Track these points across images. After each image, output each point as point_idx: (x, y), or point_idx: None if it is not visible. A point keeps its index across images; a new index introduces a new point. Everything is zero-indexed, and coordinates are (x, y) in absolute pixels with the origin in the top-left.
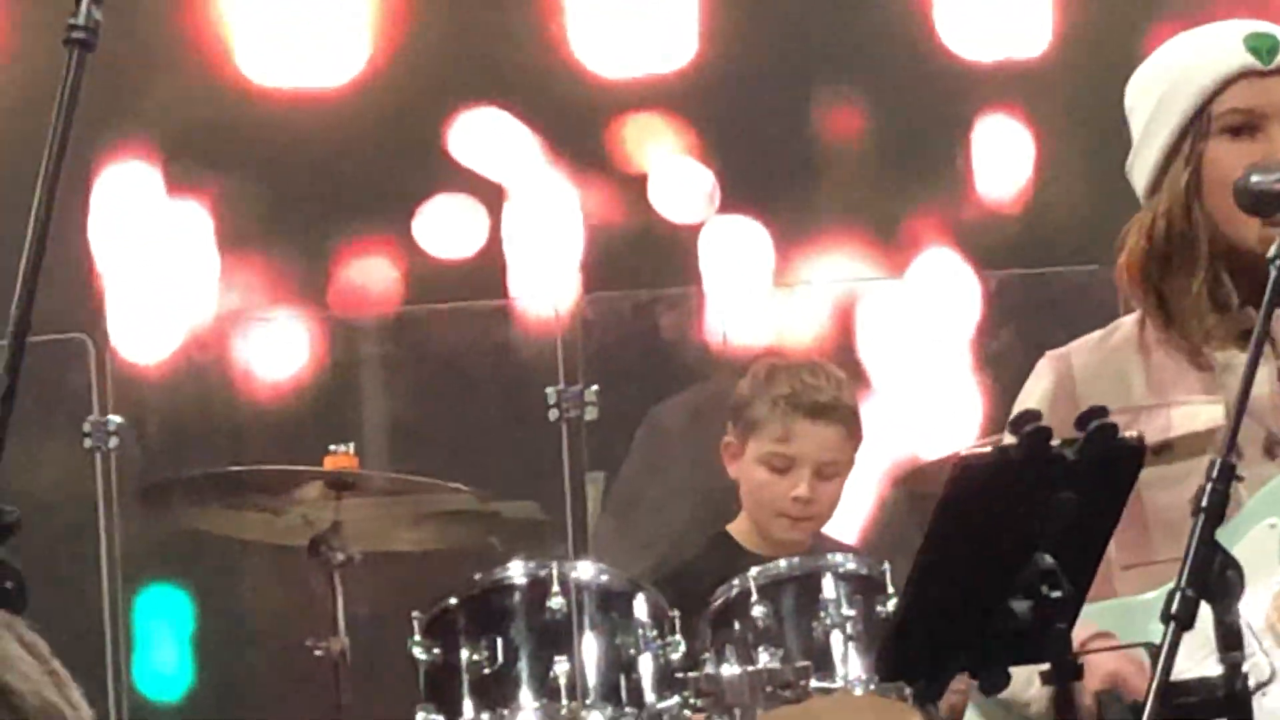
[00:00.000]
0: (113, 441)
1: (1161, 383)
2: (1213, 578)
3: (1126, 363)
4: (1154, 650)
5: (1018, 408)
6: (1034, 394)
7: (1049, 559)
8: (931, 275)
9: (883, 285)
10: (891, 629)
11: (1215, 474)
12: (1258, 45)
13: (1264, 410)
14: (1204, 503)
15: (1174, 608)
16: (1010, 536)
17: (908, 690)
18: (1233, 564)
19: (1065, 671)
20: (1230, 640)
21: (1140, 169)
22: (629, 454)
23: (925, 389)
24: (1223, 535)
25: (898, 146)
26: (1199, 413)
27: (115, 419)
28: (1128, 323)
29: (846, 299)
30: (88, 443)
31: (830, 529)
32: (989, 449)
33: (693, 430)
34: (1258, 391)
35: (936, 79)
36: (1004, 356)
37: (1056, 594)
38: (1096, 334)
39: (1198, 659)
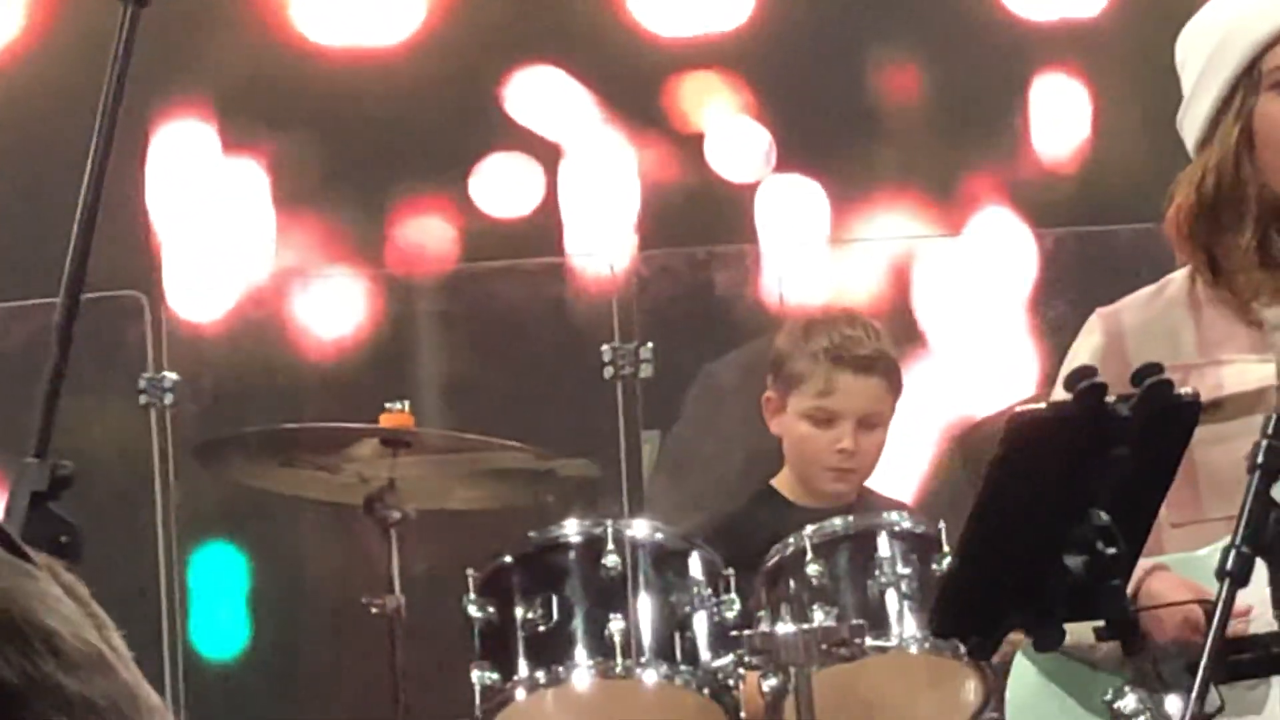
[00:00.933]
0: (168, 398)
1: (1212, 340)
2: (1268, 534)
3: (1177, 319)
4: (1209, 606)
5: (1068, 364)
6: (1084, 350)
7: (1104, 515)
8: (988, 234)
9: (939, 244)
10: (945, 586)
11: (1271, 430)
12: None
13: None
14: (1260, 459)
15: (1229, 564)
16: (1065, 493)
17: (963, 649)
18: None
19: (1120, 628)
20: None
21: (1191, 123)
22: (682, 412)
23: (981, 348)
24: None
25: (954, 105)
26: (1250, 371)
27: (170, 376)
28: (1178, 279)
29: (902, 257)
30: (143, 399)
31: (881, 486)
32: (1044, 405)
33: (746, 388)
34: None
35: (993, 37)
36: (1060, 315)
37: (1111, 550)
38: (1147, 290)
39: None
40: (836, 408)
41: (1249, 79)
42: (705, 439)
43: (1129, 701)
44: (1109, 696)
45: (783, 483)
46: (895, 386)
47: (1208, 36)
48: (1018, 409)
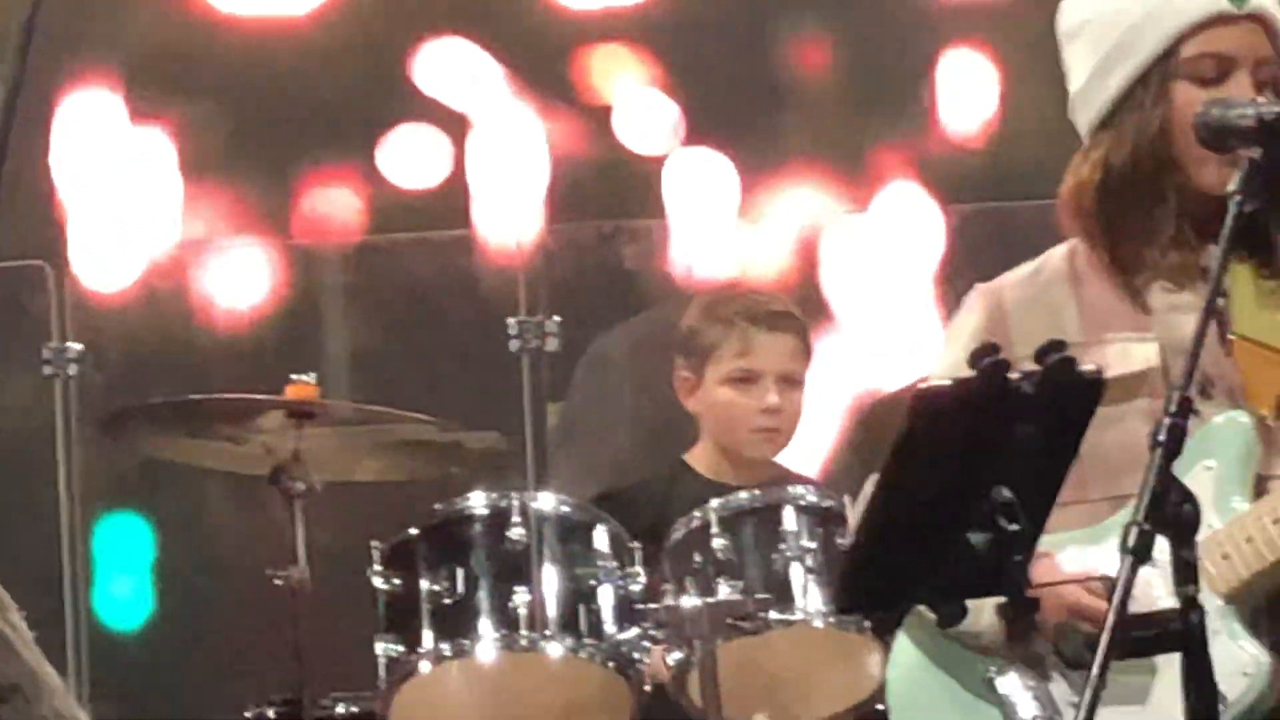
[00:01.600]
0: (72, 369)
1: (1095, 318)
2: (1169, 512)
3: (1059, 297)
4: (1110, 583)
5: (948, 341)
6: (965, 327)
7: (1007, 492)
8: (895, 209)
9: (847, 219)
10: (849, 562)
11: (1174, 408)
12: None
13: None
14: (1161, 436)
15: (1130, 541)
16: (968, 469)
17: (866, 624)
18: (1190, 498)
19: (1022, 605)
20: (1186, 574)
21: (1091, 102)
22: (571, 385)
23: (888, 323)
24: None
25: (863, 80)
26: (1133, 352)
27: (75, 346)
28: (1057, 255)
29: (810, 232)
30: (47, 370)
31: (790, 461)
32: (949, 381)
33: (636, 360)
34: (1191, 332)
35: (902, 13)
36: (967, 290)
37: (1014, 527)
38: (1027, 267)
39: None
40: (757, 366)
41: (1165, 65)
42: (596, 411)
43: (1011, 679)
44: (990, 674)
45: (697, 458)
46: (808, 348)
47: (1115, 16)
48: (921, 385)
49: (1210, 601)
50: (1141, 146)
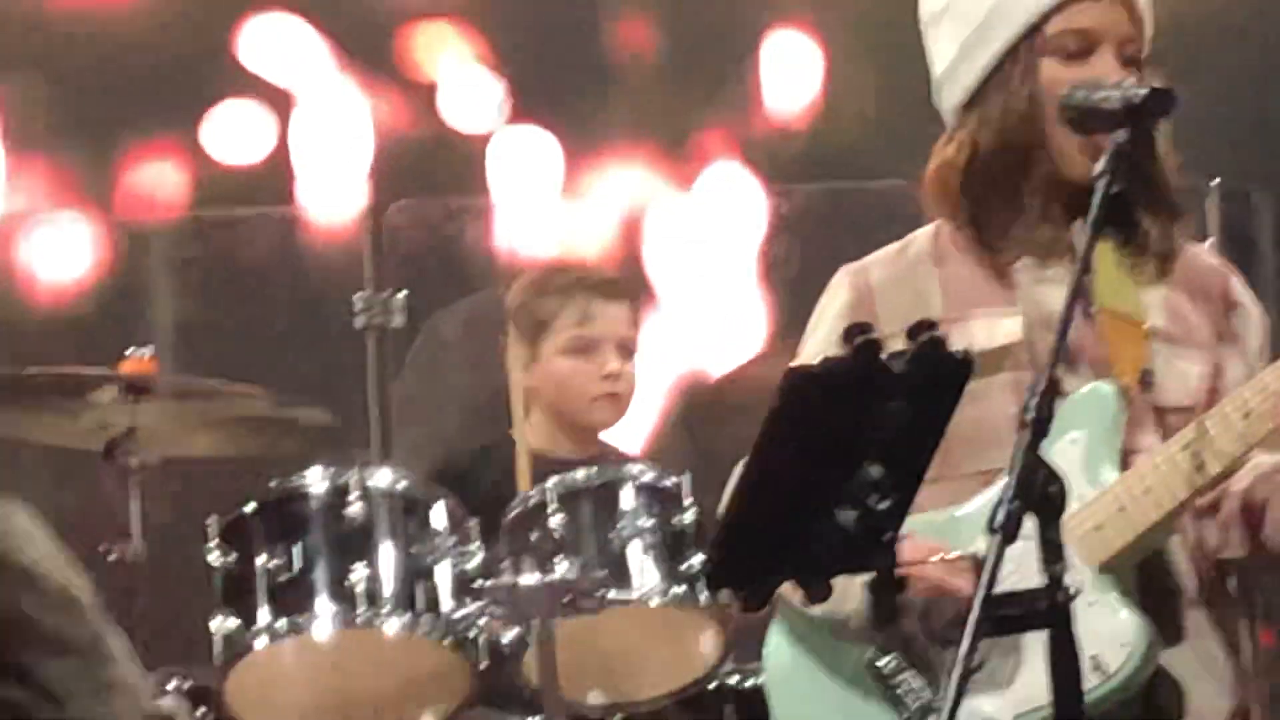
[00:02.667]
0: None
1: (960, 295)
2: (1037, 490)
3: (923, 276)
4: (977, 561)
5: (815, 321)
6: (832, 308)
7: (877, 470)
8: (719, 189)
9: (671, 198)
10: (718, 537)
11: (1041, 387)
12: None
13: None
14: (1029, 415)
15: (998, 520)
16: (838, 446)
17: (702, 601)
18: (1056, 478)
19: (889, 582)
20: (1053, 553)
21: (957, 82)
22: (405, 362)
23: (711, 303)
24: None
25: (687, 60)
26: (997, 327)
27: None
28: (921, 236)
29: (634, 212)
30: None
31: (616, 440)
32: (821, 359)
33: (468, 338)
34: (1057, 305)
35: None
36: (789, 271)
37: (883, 504)
38: (893, 247)
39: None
40: (595, 334)
41: (1030, 42)
42: (429, 389)
43: (890, 661)
44: (870, 655)
45: (529, 433)
46: (639, 317)
47: None
48: (792, 364)
49: (1085, 572)
50: (1010, 124)
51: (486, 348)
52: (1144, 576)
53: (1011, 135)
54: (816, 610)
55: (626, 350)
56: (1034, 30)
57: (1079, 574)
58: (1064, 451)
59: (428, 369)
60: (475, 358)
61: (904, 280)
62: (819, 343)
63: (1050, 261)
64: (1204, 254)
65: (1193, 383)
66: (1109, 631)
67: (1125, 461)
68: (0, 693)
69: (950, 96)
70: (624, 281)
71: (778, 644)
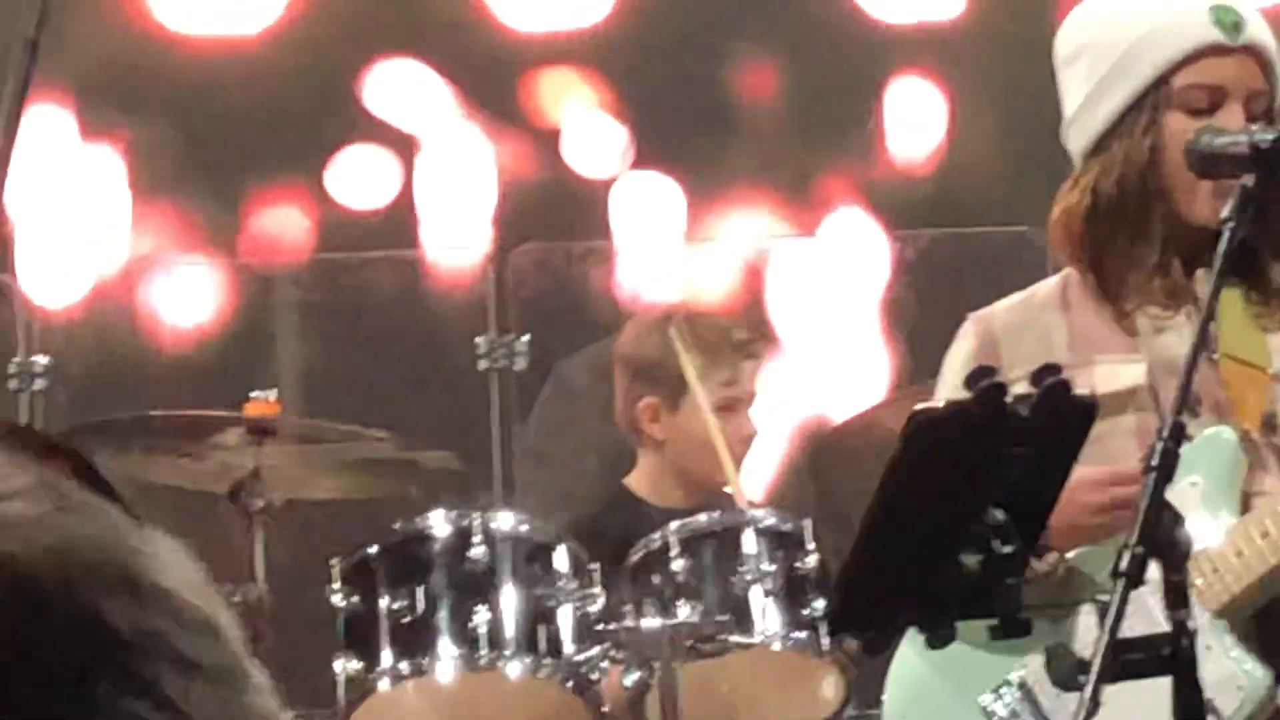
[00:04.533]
0: (38, 384)
1: (1083, 341)
2: (1162, 536)
3: (1049, 323)
4: (1102, 607)
5: (945, 370)
6: (959, 356)
7: (1000, 514)
8: (843, 234)
9: (794, 244)
10: (842, 582)
11: (1168, 432)
12: (1223, 19)
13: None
14: (1155, 461)
15: (1123, 564)
16: (963, 491)
17: (825, 645)
18: (1182, 522)
19: (1014, 627)
20: (1178, 598)
21: (1084, 127)
22: (534, 410)
23: (833, 349)
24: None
25: (811, 106)
26: (1120, 372)
27: (42, 360)
28: (1050, 283)
29: (757, 257)
30: (13, 384)
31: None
32: (944, 403)
33: (596, 385)
34: (1179, 350)
35: (851, 39)
36: (912, 317)
37: (1007, 549)
38: (1018, 295)
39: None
40: (740, 394)
41: (1157, 94)
42: (557, 438)
43: (1002, 705)
44: (984, 699)
45: (637, 482)
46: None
47: (1111, 42)
48: (918, 408)
49: (1201, 616)
50: (1130, 173)
51: (613, 394)
52: (1262, 622)
53: (1131, 184)
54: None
55: (753, 408)
56: (1162, 81)
57: (1197, 618)
58: (1183, 495)
59: (557, 416)
60: (604, 404)
61: (1029, 326)
62: (946, 390)
63: (1171, 309)
64: None
65: None
66: (1224, 676)
67: (1246, 505)
68: (128, 706)
69: (1077, 140)
70: (763, 340)
71: (898, 687)
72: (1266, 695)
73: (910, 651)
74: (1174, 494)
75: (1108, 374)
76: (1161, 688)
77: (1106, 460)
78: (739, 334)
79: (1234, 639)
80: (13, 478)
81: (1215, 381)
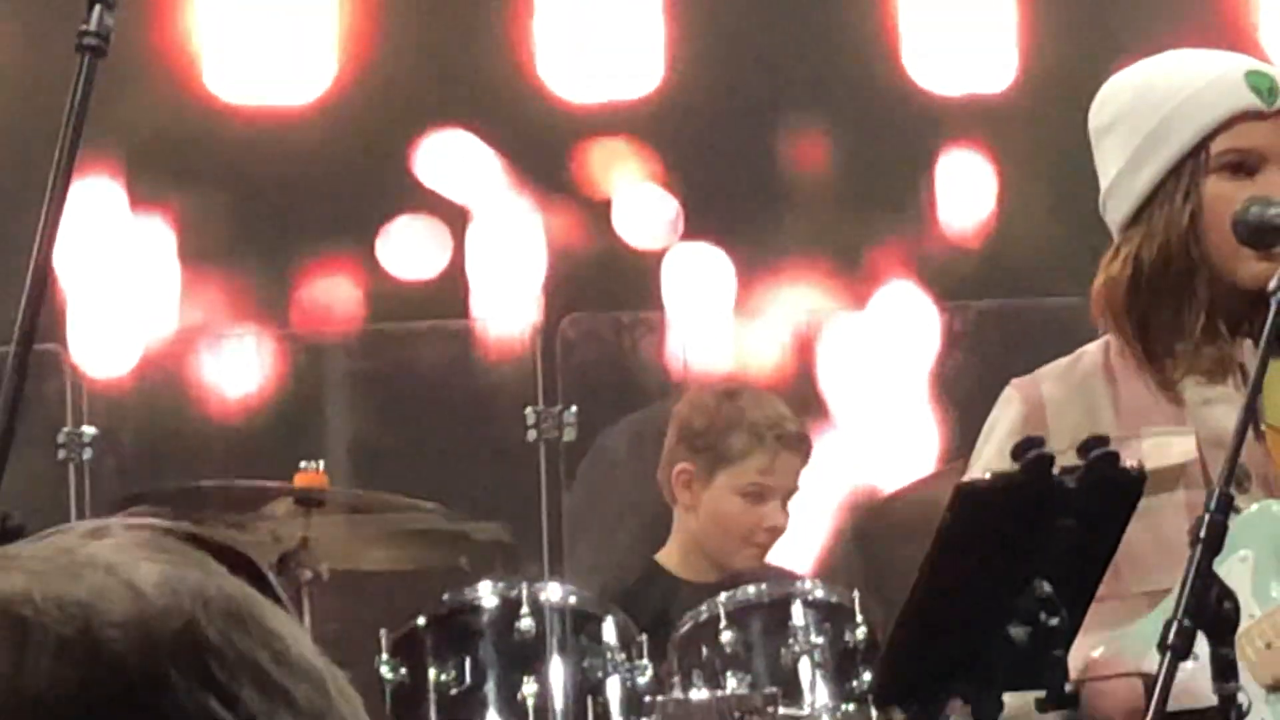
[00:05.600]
0: (87, 453)
1: (1132, 412)
2: (1209, 608)
3: (1095, 391)
4: (1150, 679)
5: (986, 435)
6: (1004, 421)
7: (1047, 586)
8: (893, 307)
9: (844, 316)
10: (888, 653)
11: (1214, 504)
12: (1259, 85)
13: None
14: (1202, 533)
15: (1171, 637)
16: (1009, 562)
17: (873, 717)
18: (1229, 595)
19: (1061, 699)
20: (1225, 671)
21: (1123, 197)
22: (576, 479)
23: (884, 421)
24: None
25: (861, 178)
26: (1171, 445)
27: (90, 430)
28: (1093, 350)
29: (807, 329)
30: (61, 454)
31: (778, 558)
32: (990, 474)
33: (636, 453)
34: (1228, 423)
35: (901, 112)
36: (962, 390)
37: (1054, 621)
38: (1063, 362)
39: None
40: (774, 484)
41: (1195, 160)
42: (597, 505)
43: None
44: None
45: (669, 558)
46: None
47: (1146, 110)
48: (964, 479)
49: (1254, 690)
50: (1172, 241)
51: (654, 463)
52: None
53: (1174, 252)
54: None
55: (789, 500)
56: (1199, 148)
57: (1252, 694)
58: (1233, 569)
59: (596, 484)
60: (643, 473)
61: (1076, 395)
62: (990, 457)
63: (1218, 380)
64: None
65: None
66: None
67: None
68: (200, 700)
69: (1116, 210)
70: (807, 436)
71: None
72: None
73: None
74: (1224, 569)
75: (1157, 447)
76: None
77: (1158, 535)
78: (791, 425)
79: None
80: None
81: (1263, 455)
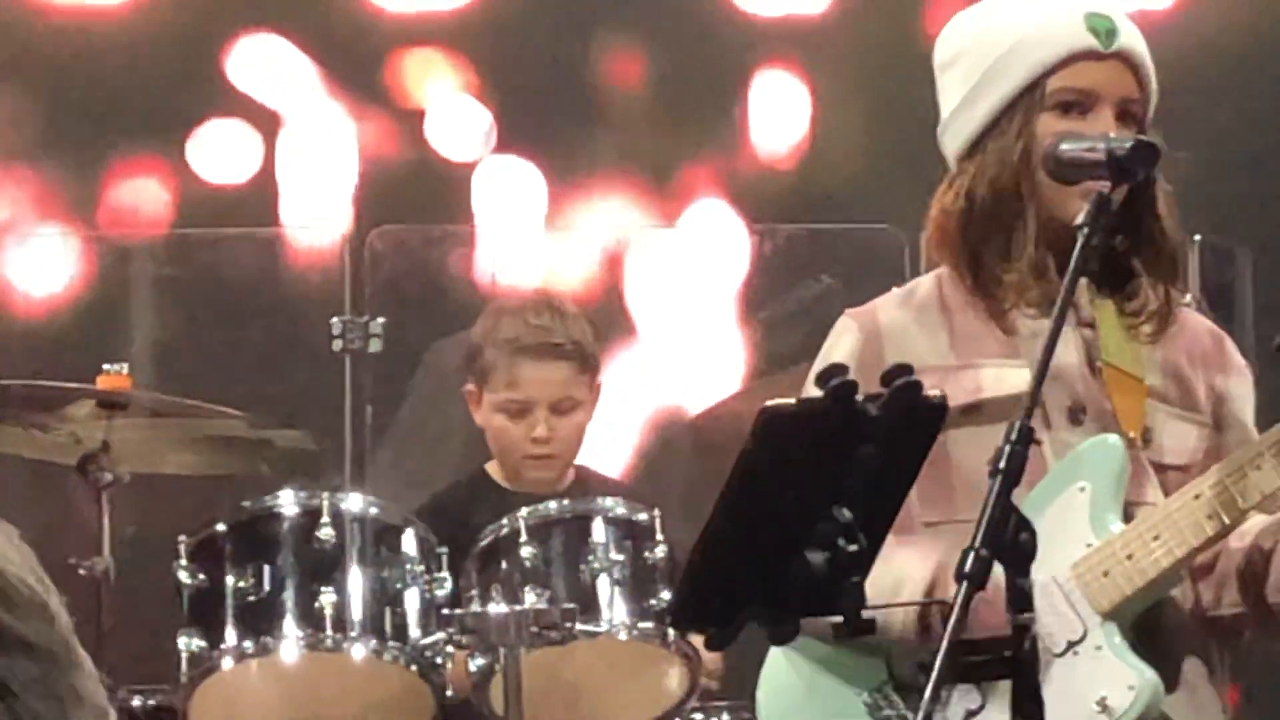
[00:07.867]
0: None
1: (967, 342)
2: (1007, 539)
3: (931, 322)
4: (945, 608)
5: (820, 363)
6: (839, 349)
7: (847, 513)
8: (703, 226)
9: (654, 233)
10: (686, 576)
11: (1014, 436)
12: (1098, 25)
13: (1072, 377)
14: (1002, 464)
15: (967, 566)
16: (809, 488)
17: (670, 637)
18: (1027, 527)
19: (858, 626)
20: (1021, 601)
21: (959, 130)
22: (409, 391)
23: (691, 339)
24: (1035, 497)
25: (676, 96)
26: (1007, 376)
27: None
28: (926, 282)
29: (617, 246)
30: None
31: (597, 465)
32: (794, 400)
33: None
34: (1066, 360)
35: (718, 30)
36: (770, 310)
37: (853, 548)
38: (897, 292)
39: None
40: (524, 397)
41: (1031, 97)
42: (428, 419)
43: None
44: (866, 698)
45: (496, 469)
46: (588, 369)
47: (986, 46)
48: (766, 404)
49: (1092, 617)
50: (1003, 175)
51: None
52: (1145, 624)
53: (1004, 185)
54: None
55: (562, 409)
56: (1035, 85)
57: (1086, 619)
58: (1071, 500)
59: (427, 399)
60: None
61: (913, 325)
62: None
63: (1045, 314)
64: (1199, 317)
65: (1190, 443)
66: (1115, 675)
67: (1127, 514)
68: None
69: (952, 143)
70: (560, 344)
71: (771, 682)
72: (1155, 696)
73: (780, 653)
74: (1062, 499)
75: (994, 377)
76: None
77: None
78: (530, 337)
79: (1124, 640)
80: None
81: (1099, 389)
